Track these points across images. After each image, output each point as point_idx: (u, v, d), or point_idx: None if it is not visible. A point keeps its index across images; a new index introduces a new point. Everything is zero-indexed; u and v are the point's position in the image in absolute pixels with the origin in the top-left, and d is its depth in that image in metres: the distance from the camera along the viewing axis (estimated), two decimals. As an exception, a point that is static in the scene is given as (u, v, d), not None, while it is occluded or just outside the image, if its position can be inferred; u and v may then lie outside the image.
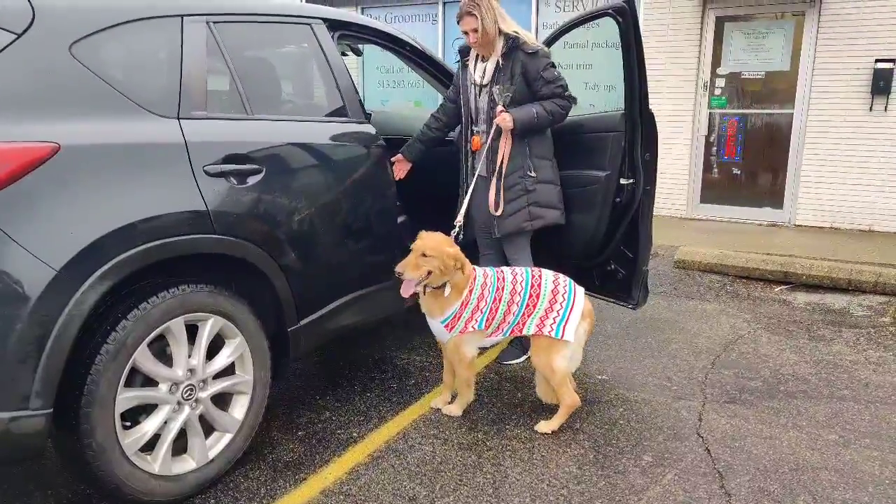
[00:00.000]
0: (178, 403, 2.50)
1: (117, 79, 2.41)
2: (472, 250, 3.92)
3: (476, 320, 3.08)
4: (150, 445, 2.46)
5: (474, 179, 3.67)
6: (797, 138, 7.58)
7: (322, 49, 3.24)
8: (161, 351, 2.47)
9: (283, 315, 2.88)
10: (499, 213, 3.57)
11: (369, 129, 3.33)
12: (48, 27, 2.27)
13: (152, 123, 2.44)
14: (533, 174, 3.54)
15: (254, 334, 2.73)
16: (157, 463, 2.46)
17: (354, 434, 3.12)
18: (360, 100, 3.38)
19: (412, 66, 4.16)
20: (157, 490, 2.46)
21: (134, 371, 2.36)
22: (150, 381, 2.43)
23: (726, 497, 2.65)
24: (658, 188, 3.79)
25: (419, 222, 3.81)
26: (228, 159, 2.61)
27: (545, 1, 8.66)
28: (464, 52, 3.69)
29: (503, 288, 3.12)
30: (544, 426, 3.12)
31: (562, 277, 3.17)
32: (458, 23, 3.52)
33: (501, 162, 3.53)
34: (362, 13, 9.68)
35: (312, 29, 3.23)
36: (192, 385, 2.53)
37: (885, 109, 7.05)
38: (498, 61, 3.49)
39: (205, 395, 2.59)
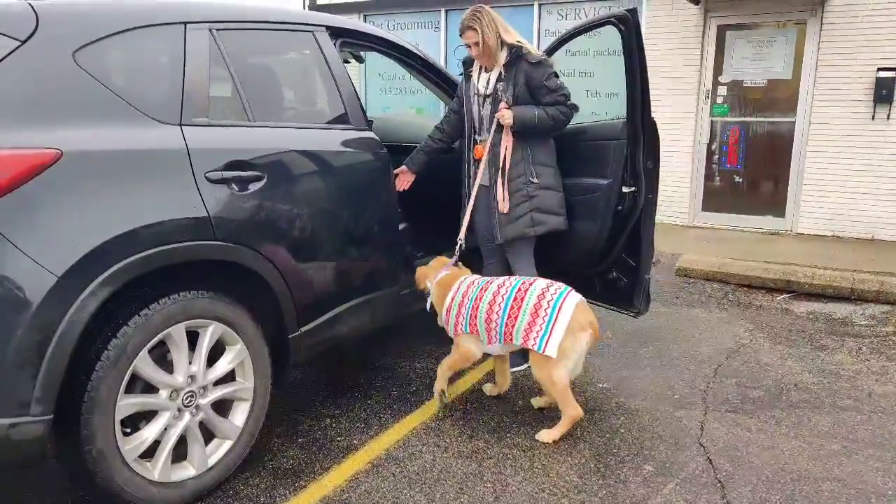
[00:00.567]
0: (179, 410, 2.50)
1: (120, 85, 2.42)
2: (475, 257, 3.93)
3: (460, 324, 3.26)
4: (149, 452, 2.45)
5: (476, 188, 3.69)
6: (799, 146, 7.57)
7: (324, 56, 3.25)
8: (161, 357, 2.47)
9: (283, 322, 2.88)
10: (506, 210, 3.57)
11: (371, 136, 3.34)
12: (51, 34, 2.28)
13: (154, 130, 2.45)
14: (535, 180, 3.55)
15: (254, 341, 2.73)
16: (157, 469, 2.45)
17: (355, 441, 3.11)
18: (361, 107, 3.38)
19: (414, 74, 4.17)
20: (156, 497, 2.45)
21: (134, 377, 2.36)
22: (150, 388, 2.43)
23: (728, 507, 2.64)
24: (660, 196, 3.79)
25: (420, 229, 3.82)
26: (230, 166, 2.62)
27: (547, 9, 8.69)
28: (467, 63, 3.72)
29: (481, 297, 3.19)
30: (545, 435, 3.11)
31: (553, 289, 3.07)
32: (460, 35, 3.57)
33: (504, 158, 3.53)
34: (364, 21, 9.71)
35: (315, 36, 3.24)
36: (193, 392, 2.53)
37: (888, 118, 7.05)
38: (501, 72, 3.51)
39: (205, 401, 2.59)
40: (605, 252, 3.76)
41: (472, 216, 3.78)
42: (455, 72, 4.28)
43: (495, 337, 3.14)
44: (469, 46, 3.54)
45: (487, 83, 3.57)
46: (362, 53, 4.44)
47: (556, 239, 3.72)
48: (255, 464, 2.89)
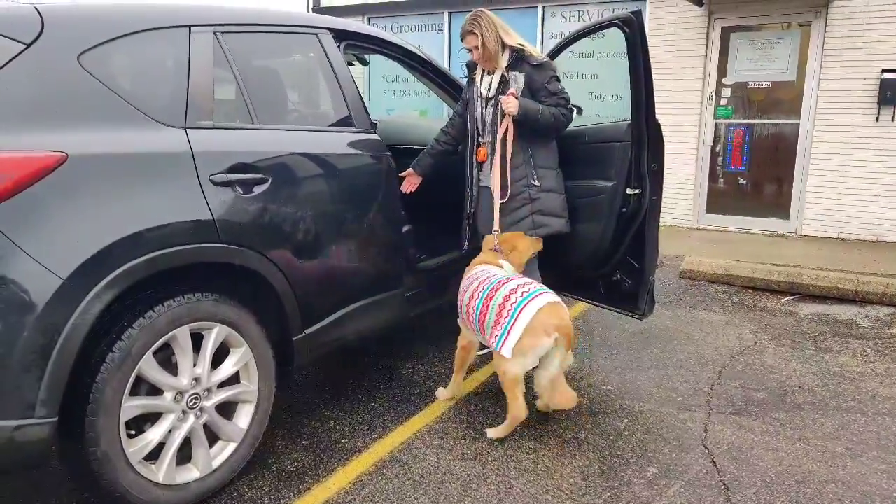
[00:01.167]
0: (183, 412, 2.51)
1: (125, 88, 2.43)
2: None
3: (460, 309, 3.38)
4: (154, 454, 2.46)
5: (479, 190, 3.70)
6: (803, 148, 7.56)
7: (328, 59, 3.26)
8: (166, 360, 2.47)
9: (287, 324, 2.88)
10: (504, 199, 3.57)
11: (375, 138, 3.34)
12: (57, 37, 2.29)
13: (159, 133, 2.46)
14: (537, 183, 3.55)
15: (258, 343, 2.73)
16: (162, 472, 2.46)
17: (359, 444, 3.12)
18: (365, 109, 3.39)
19: (417, 76, 4.18)
20: (160, 499, 2.46)
21: (139, 380, 2.37)
22: (155, 390, 2.44)
23: (732, 510, 2.63)
24: (664, 198, 3.79)
25: (424, 231, 3.82)
26: (234, 169, 2.62)
27: (551, 11, 8.69)
28: (471, 66, 3.73)
29: (465, 291, 3.29)
30: (491, 431, 3.15)
31: (521, 291, 3.05)
32: (461, 40, 3.60)
33: (504, 141, 3.52)
34: (368, 23, 9.73)
35: (319, 39, 3.25)
36: (197, 394, 2.54)
37: (893, 120, 7.04)
38: (503, 74, 3.52)
39: (209, 403, 2.59)
40: (609, 254, 3.76)
41: (474, 219, 3.78)
42: (459, 74, 4.29)
43: (475, 329, 3.23)
44: (470, 51, 3.56)
45: (490, 86, 3.58)
46: (366, 56, 4.45)
47: (561, 241, 3.72)
48: (259, 466, 2.89)
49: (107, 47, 2.40)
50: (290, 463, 2.95)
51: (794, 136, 7.60)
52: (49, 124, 2.20)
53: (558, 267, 3.95)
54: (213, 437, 2.65)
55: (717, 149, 8.03)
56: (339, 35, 3.37)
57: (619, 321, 4.77)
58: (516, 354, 2.97)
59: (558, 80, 3.52)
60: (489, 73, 3.61)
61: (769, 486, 2.79)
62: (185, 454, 2.56)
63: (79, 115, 2.29)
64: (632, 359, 4.19)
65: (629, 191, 3.58)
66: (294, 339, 2.91)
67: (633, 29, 3.39)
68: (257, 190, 2.69)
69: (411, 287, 3.64)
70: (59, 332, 2.10)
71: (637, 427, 3.29)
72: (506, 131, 3.51)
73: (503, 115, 3.50)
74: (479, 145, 3.71)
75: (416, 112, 9.65)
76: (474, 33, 3.48)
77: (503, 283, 3.13)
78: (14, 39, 2.20)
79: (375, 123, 3.46)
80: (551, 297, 3.07)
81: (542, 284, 3.21)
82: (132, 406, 2.35)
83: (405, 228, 3.55)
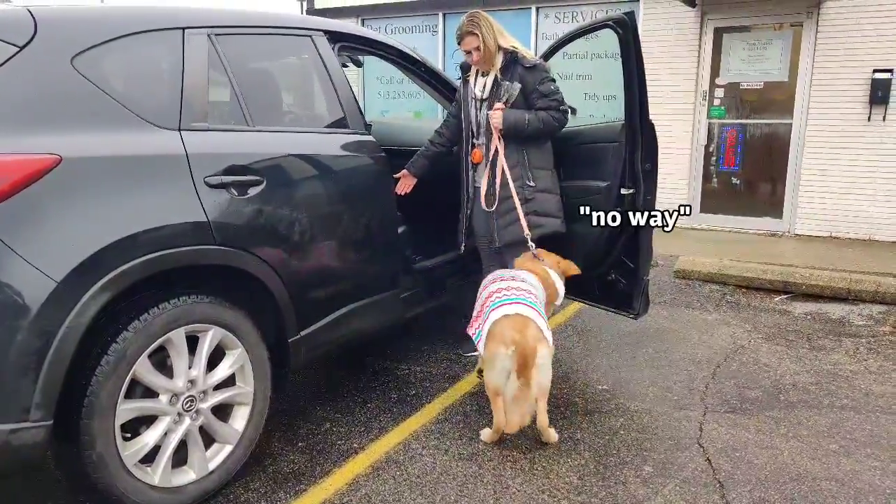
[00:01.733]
0: (179, 415, 2.50)
1: (119, 91, 2.43)
2: (474, 259, 3.94)
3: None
4: (150, 457, 2.45)
5: (474, 191, 3.71)
6: (796, 148, 7.60)
7: (323, 61, 3.25)
8: (161, 362, 2.47)
9: (283, 326, 2.88)
10: (493, 208, 3.58)
11: (370, 139, 3.34)
12: (50, 40, 2.29)
13: (153, 135, 2.46)
14: (532, 184, 3.56)
15: (254, 345, 2.73)
16: (157, 474, 2.45)
17: (355, 445, 3.12)
18: (360, 111, 3.39)
19: (412, 78, 4.18)
20: (156, 502, 2.45)
21: (134, 382, 2.36)
22: (150, 393, 2.43)
23: (727, 508, 2.64)
24: (658, 198, 3.80)
25: (419, 232, 3.83)
26: (229, 171, 2.62)
27: (545, 12, 8.71)
28: (465, 68, 3.74)
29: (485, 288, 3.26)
30: (483, 433, 3.13)
31: (504, 293, 3.01)
32: (458, 44, 3.59)
33: (497, 159, 3.54)
34: (363, 25, 9.73)
35: (313, 41, 3.25)
36: (193, 396, 2.53)
37: (884, 119, 7.08)
38: (496, 76, 3.53)
39: (205, 406, 2.59)
40: (604, 254, 3.77)
41: (470, 220, 3.79)
42: (453, 76, 4.29)
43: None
44: (469, 53, 3.55)
45: (484, 88, 3.59)
46: (361, 57, 4.45)
47: (556, 241, 3.73)
48: (255, 468, 2.89)
49: (100, 49, 2.40)
50: (287, 465, 2.95)
51: (787, 135, 7.64)
52: (43, 127, 2.20)
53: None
54: (209, 440, 2.65)
55: (711, 149, 8.06)
56: (334, 37, 3.37)
57: (613, 321, 4.78)
58: (486, 358, 2.95)
59: (552, 81, 3.53)
60: (483, 75, 3.62)
61: (764, 483, 2.80)
62: (181, 457, 2.56)
63: (73, 117, 2.28)
64: (627, 358, 4.20)
65: (623, 191, 3.60)
66: (290, 340, 2.90)
67: (626, 30, 3.40)
68: (252, 192, 2.69)
69: (407, 288, 3.64)
70: (53, 334, 2.10)
71: (632, 426, 3.30)
72: (495, 150, 3.53)
73: (492, 132, 3.52)
74: (473, 147, 3.72)
75: (411, 113, 9.65)
76: (475, 34, 3.48)
77: (491, 281, 3.17)
78: (7, 42, 2.20)
79: (370, 125, 3.46)
80: (525, 309, 2.93)
81: (531, 295, 3.08)
82: (128, 409, 2.34)
83: (401, 229, 3.56)
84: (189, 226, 2.45)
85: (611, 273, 3.87)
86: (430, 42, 9.48)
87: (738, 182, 8.03)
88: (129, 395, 2.35)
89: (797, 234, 7.66)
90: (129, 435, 2.41)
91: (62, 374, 2.14)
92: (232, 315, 2.63)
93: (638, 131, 3.52)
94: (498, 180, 3.55)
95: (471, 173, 3.76)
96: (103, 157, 2.29)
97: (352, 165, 3.24)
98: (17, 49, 2.20)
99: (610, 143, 3.62)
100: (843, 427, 3.31)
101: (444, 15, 9.32)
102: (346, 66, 4.07)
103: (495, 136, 3.53)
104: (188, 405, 2.52)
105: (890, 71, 6.94)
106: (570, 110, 3.66)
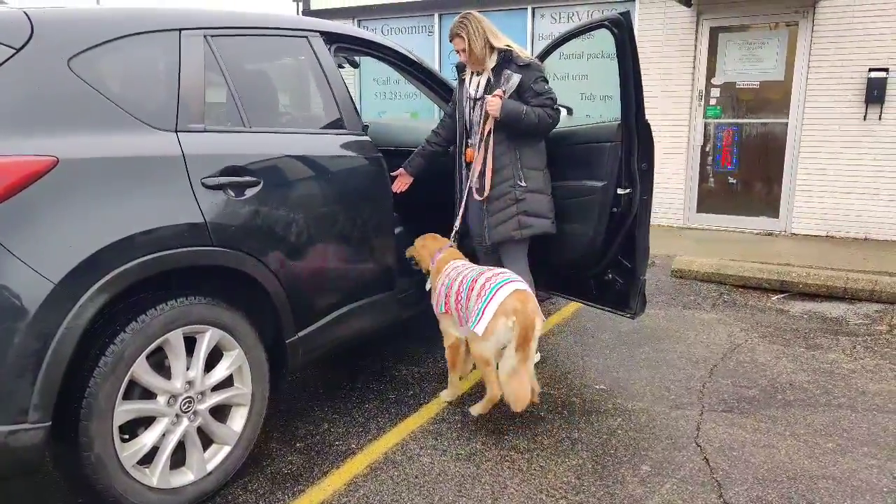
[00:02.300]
0: (177, 416, 2.50)
1: (115, 92, 2.43)
2: (472, 259, 3.94)
3: (437, 305, 3.43)
4: (148, 458, 2.45)
5: (468, 191, 3.71)
6: (792, 147, 7.62)
7: (319, 62, 3.26)
8: (159, 363, 2.47)
9: (281, 327, 2.88)
10: (483, 197, 3.60)
11: (366, 140, 3.35)
12: (47, 42, 2.29)
13: (150, 136, 2.46)
14: (523, 184, 3.57)
15: (252, 346, 2.73)
16: (156, 476, 2.45)
17: (353, 445, 3.12)
18: (356, 111, 3.39)
19: (408, 78, 4.19)
20: (155, 503, 2.45)
21: (132, 383, 2.36)
22: (148, 394, 2.43)
23: (725, 506, 2.65)
24: (654, 198, 3.81)
25: (415, 233, 3.83)
26: (226, 172, 2.62)
27: (540, 13, 8.71)
28: (460, 67, 3.76)
29: (453, 283, 3.32)
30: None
31: (495, 279, 3.12)
32: (450, 41, 3.64)
33: (487, 142, 3.55)
34: (358, 25, 9.73)
35: (309, 42, 3.25)
36: (191, 397, 2.53)
37: (879, 118, 7.10)
38: (490, 76, 3.55)
39: (203, 407, 2.59)
40: (600, 254, 3.78)
41: (465, 218, 3.80)
42: (449, 76, 4.30)
43: (461, 318, 3.25)
44: (459, 52, 3.59)
45: (478, 87, 3.60)
46: (357, 58, 4.45)
47: (553, 241, 3.74)
48: (253, 469, 2.89)
49: (97, 51, 2.40)
50: (285, 465, 2.95)
51: (783, 135, 7.65)
52: (40, 129, 2.20)
53: (550, 267, 3.97)
54: (207, 441, 2.65)
55: (707, 148, 8.08)
56: (330, 38, 3.38)
57: (610, 321, 4.79)
58: (486, 335, 3.03)
59: (545, 80, 3.54)
60: (478, 75, 3.63)
61: (761, 482, 2.81)
62: (179, 458, 2.56)
63: (69, 119, 2.28)
64: (624, 358, 4.21)
65: (620, 191, 3.61)
66: (287, 341, 2.91)
67: (622, 30, 3.41)
68: (249, 193, 2.69)
69: (404, 289, 3.65)
70: (51, 336, 2.10)
71: (630, 425, 3.31)
72: (488, 133, 3.52)
73: (487, 117, 3.53)
74: (467, 146, 3.73)
75: (408, 114, 9.65)
76: (461, 36, 3.52)
77: (482, 273, 3.21)
78: (3, 44, 2.20)
79: (367, 126, 3.47)
80: (522, 285, 3.13)
81: (517, 275, 3.26)
82: (125, 410, 2.35)
83: (397, 230, 3.56)
84: (186, 227, 2.45)
85: (608, 273, 3.88)
86: (426, 43, 9.48)
87: (734, 182, 8.04)
88: (127, 397, 2.35)
89: (794, 234, 7.68)
90: (127, 436, 2.41)
91: (60, 376, 2.14)
92: (230, 316, 2.63)
93: (634, 131, 3.53)
94: (489, 167, 3.55)
95: (464, 172, 3.77)
96: (100, 159, 2.29)
97: (348, 166, 3.24)
98: (14, 51, 2.21)
99: (606, 142, 3.63)
100: (840, 425, 3.32)
101: (439, 16, 9.32)
102: (343, 67, 4.08)
103: (489, 124, 3.53)
104: (186, 406, 2.52)
105: (885, 70, 6.96)
106: (566, 110, 3.67)
